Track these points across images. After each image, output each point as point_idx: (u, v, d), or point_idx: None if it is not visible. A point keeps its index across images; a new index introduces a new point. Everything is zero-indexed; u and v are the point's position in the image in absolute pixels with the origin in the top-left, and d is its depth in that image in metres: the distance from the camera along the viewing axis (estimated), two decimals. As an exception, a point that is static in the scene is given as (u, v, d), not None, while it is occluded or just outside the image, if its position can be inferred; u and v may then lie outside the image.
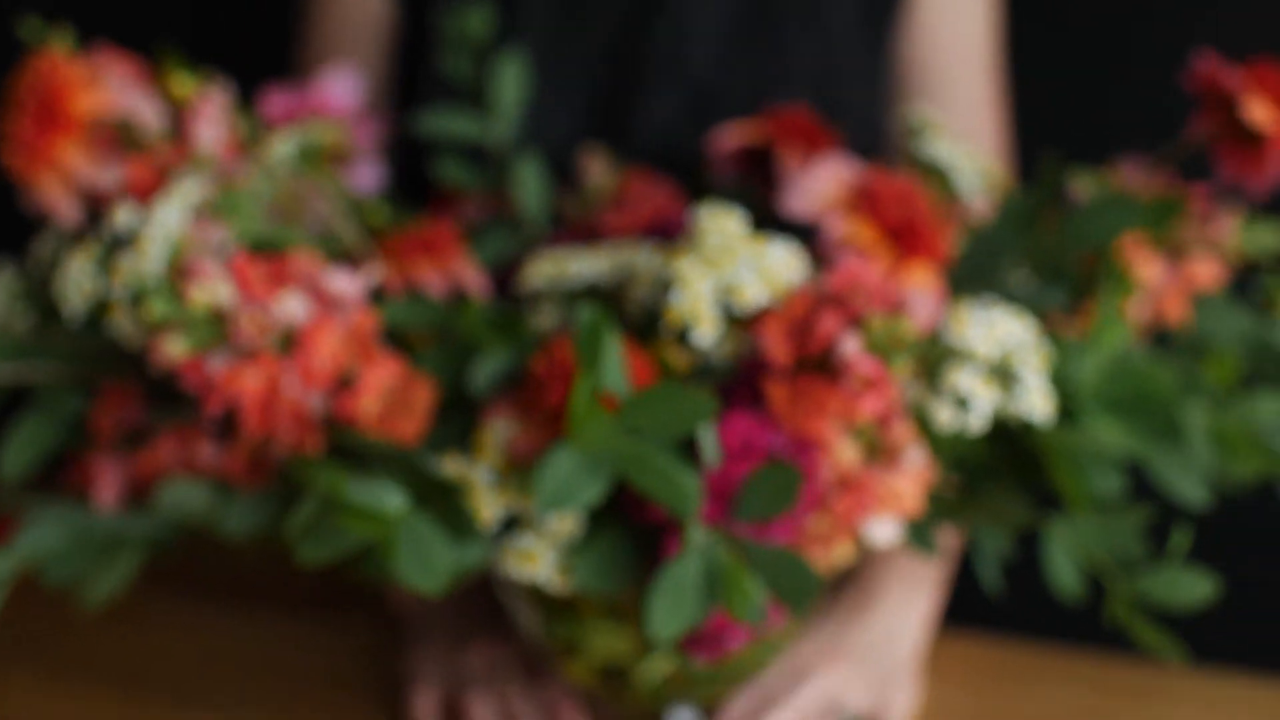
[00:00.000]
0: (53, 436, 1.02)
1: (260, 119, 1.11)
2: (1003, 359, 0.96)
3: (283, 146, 1.05)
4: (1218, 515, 1.11)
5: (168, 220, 0.94)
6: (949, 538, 1.20)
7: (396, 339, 1.03)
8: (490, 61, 1.19)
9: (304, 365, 0.92)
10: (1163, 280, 1.06)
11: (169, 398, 1.01)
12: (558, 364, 0.94)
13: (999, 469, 1.02)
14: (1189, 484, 1.02)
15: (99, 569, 1.01)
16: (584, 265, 1.02)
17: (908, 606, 1.21)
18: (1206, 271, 1.06)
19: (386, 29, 1.31)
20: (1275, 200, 1.13)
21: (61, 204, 0.99)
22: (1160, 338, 1.10)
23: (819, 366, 0.95)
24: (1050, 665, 1.26)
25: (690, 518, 0.89)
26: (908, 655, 1.20)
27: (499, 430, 0.95)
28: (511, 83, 1.18)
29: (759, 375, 0.95)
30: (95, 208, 1.01)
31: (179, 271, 0.94)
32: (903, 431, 0.95)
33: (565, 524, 0.94)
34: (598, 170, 1.18)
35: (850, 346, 0.93)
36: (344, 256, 1.05)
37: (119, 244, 0.96)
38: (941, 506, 1.00)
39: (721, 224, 0.99)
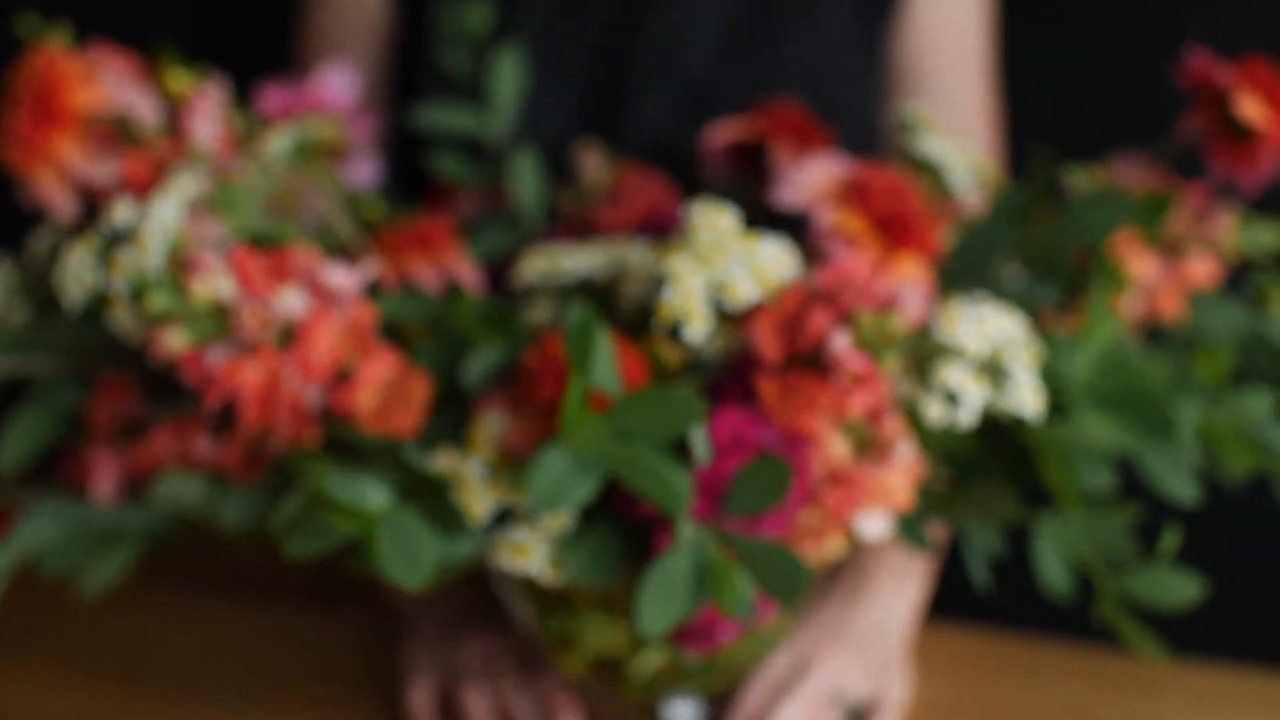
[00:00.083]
0: (50, 429, 1.03)
1: (257, 115, 1.11)
2: (993, 355, 0.96)
3: (279, 142, 1.05)
4: (1207, 511, 1.11)
5: (165, 215, 0.94)
6: (936, 531, 1.21)
7: (393, 334, 1.03)
8: (488, 57, 1.19)
9: (303, 359, 0.93)
10: (1158, 277, 1.06)
11: (166, 391, 1.01)
12: (550, 358, 0.94)
13: (989, 464, 1.02)
14: (1179, 481, 1.02)
15: (97, 560, 1.01)
16: (578, 261, 1.02)
17: (897, 596, 1.22)
18: (1202, 269, 1.07)
19: (383, 25, 1.32)
20: (1274, 196, 1.14)
21: (58, 198, 0.99)
22: (1155, 333, 1.10)
23: (810, 362, 0.95)
24: (1040, 658, 1.27)
25: (680, 514, 0.89)
26: (898, 643, 1.22)
27: (492, 424, 0.96)
28: (509, 78, 1.18)
29: (750, 371, 0.96)
30: (92, 202, 1.01)
31: (180, 265, 0.94)
32: (893, 427, 0.95)
33: (558, 518, 0.95)
34: (593, 165, 1.19)
35: (840, 343, 0.94)
36: (340, 251, 1.06)
37: (118, 238, 0.96)
38: (932, 501, 1.01)
39: (714, 221, 0.99)
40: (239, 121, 1.07)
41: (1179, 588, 0.96)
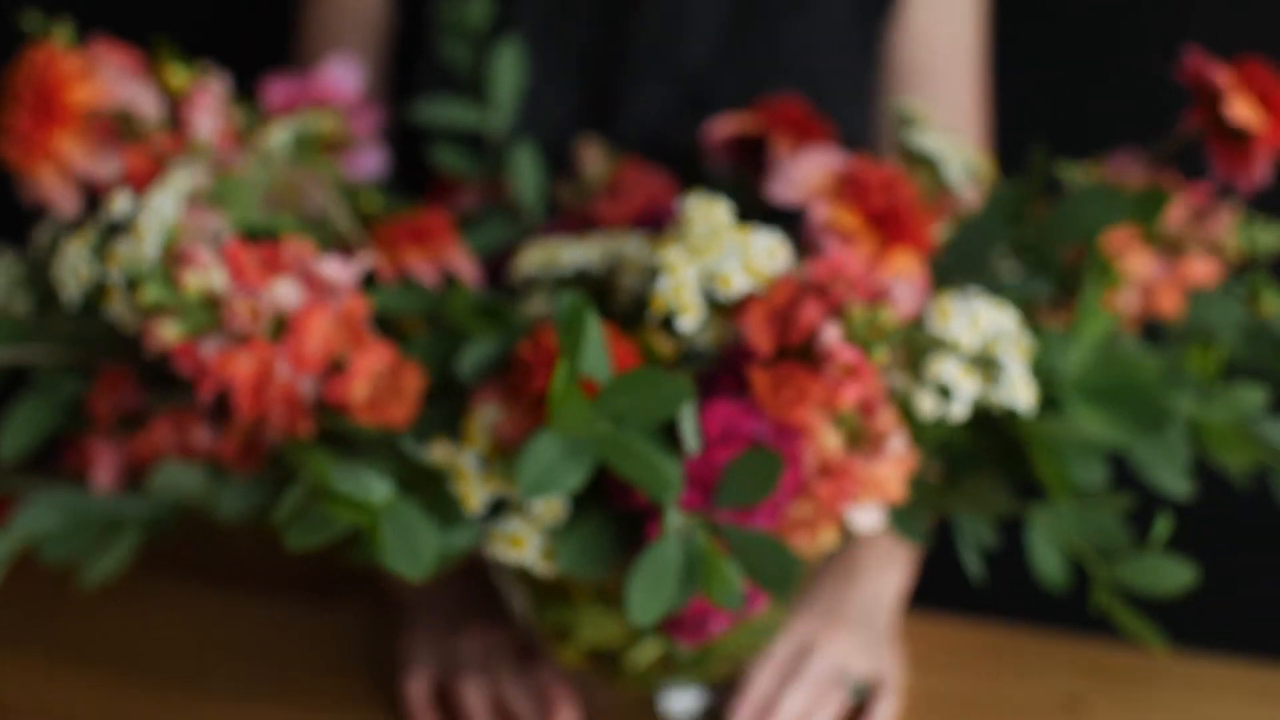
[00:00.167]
0: (51, 419, 1.04)
1: (258, 109, 1.12)
2: (985, 349, 0.97)
3: (279, 135, 1.06)
4: (1199, 502, 1.12)
5: (163, 207, 0.95)
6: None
7: (390, 326, 1.04)
8: (488, 51, 1.20)
9: (295, 350, 0.93)
10: (1157, 275, 1.06)
11: (165, 382, 1.02)
12: (544, 350, 0.95)
13: (982, 457, 1.03)
14: (1171, 474, 1.03)
15: (97, 549, 1.02)
16: (575, 253, 1.03)
17: (885, 578, 1.25)
18: (1202, 268, 1.07)
19: (382, 20, 1.32)
20: (1278, 195, 1.14)
21: (59, 195, 1.00)
22: (1157, 329, 1.11)
23: (801, 354, 0.96)
24: (1035, 648, 1.28)
25: (670, 503, 0.90)
26: (888, 623, 1.24)
27: (487, 416, 0.96)
28: (508, 72, 1.19)
29: (743, 362, 0.96)
30: (95, 196, 1.02)
31: (173, 257, 0.95)
32: (885, 419, 0.96)
33: (552, 508, 0.96)
34: (593, 159, 1.19)
35: (831, 335, 0.94)
36: (339, 244, 1.06)
37: (115, 230, 0.97)
38: (924, 494, 1.01)
39: (708, 213, 1.00)
40: (240, 116, 1.08)
41: (1172, 575, 0.97)
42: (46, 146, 0.97)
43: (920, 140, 1.12)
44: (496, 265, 1.15)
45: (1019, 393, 0.97)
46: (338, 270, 0.95)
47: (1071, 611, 1.18)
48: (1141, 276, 1.06)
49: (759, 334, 0.96)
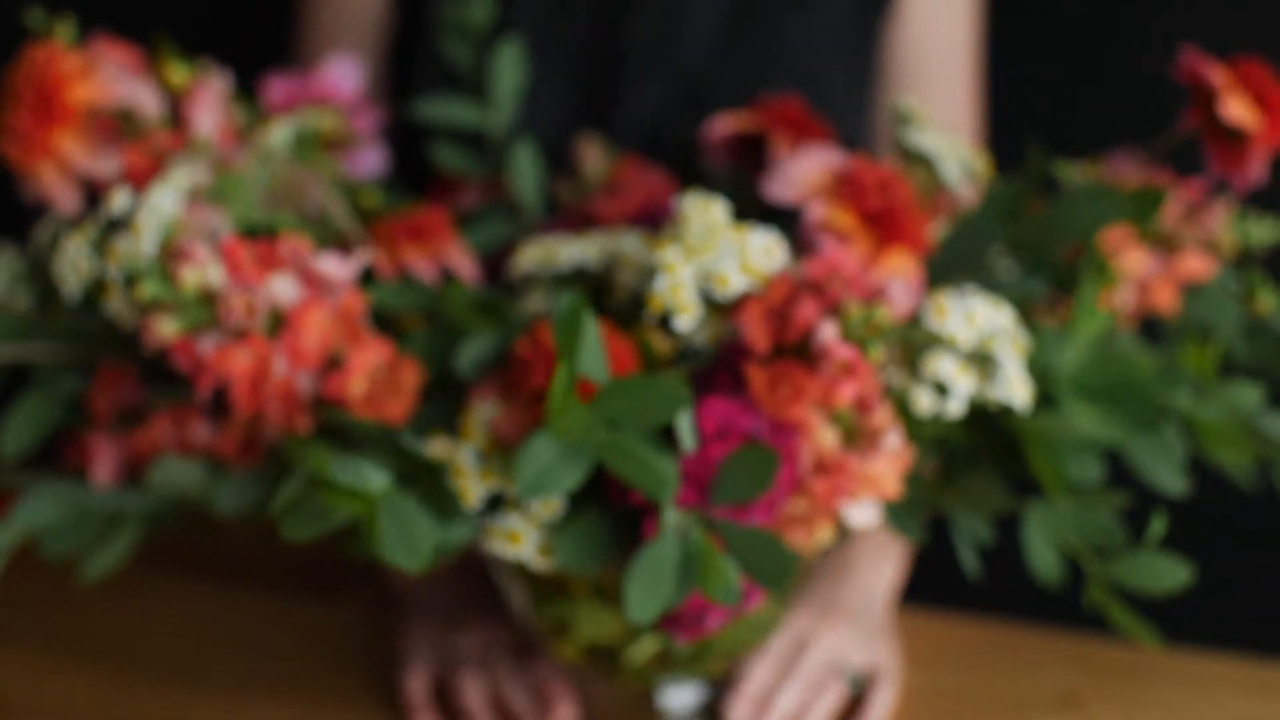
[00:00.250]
0: (51, 415, 1.04)
1: (258, 107, 1.12)
2: (981, 346, 0.97)
3: (279, 133, 1.06)
4: (1195, 499, 1.12)
5: (162, 204, 0.96)
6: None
7: (389, 322, 1.05)
8: (488, 50, 1.21)
9: (293, 346, 0.94)
10: (1152, 271, 1.07)
11: (164, 378, 1.02)
12: (541, 347, 0.95)
13: (978, 454, 1.03)
14: (1167, 472, 1.03)
15: (97, 544, 1.03)
16: (573, 251, 1.04)
17: (879, 570, 1.26)
18: (1197, 264, 1.07)
19: (381, 19, 1.33)
20: (1274, 192, 1.15)
21: (60, 192, 1.00)
22: (1155, 326, 1.11)
23: (798, 352, 0.96)
24: (1031, 645, 1.28)
25: (667, 502, 0.90)
26: (883, 615, 1.25)
27: (484, 412, 0.97)
28: (509, 71, 1.19)
29: (740, 360, 0.97)
30: (95, 194, 1.02)
31: (171, 254, 0.95)
32: (881, 416, 0.96)
33: (549, 505, 0.96)
34: (592, 158, 1.20)
35: (828, 333, 0.95)
36: (338, 241, 1.07)
37: (114, 226, 0.98)
38: (920, 490, 1.02)
39: (705, 212, 1.00)
40: (240, 113, 1.08)
41: (1167, 573, 0.97)
42: (47, 144, 0.97)
43: (917, 139, 1.12)
44: (495, 263, 1.15)
45: (1015, 390, 0.97)
46: (335, 267, 0.96)
47: (1067, 608, 1.19)
48: (1137, 273, 1.06)
49: (756, 332, 0.96)
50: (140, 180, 1.00)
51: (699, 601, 0.96)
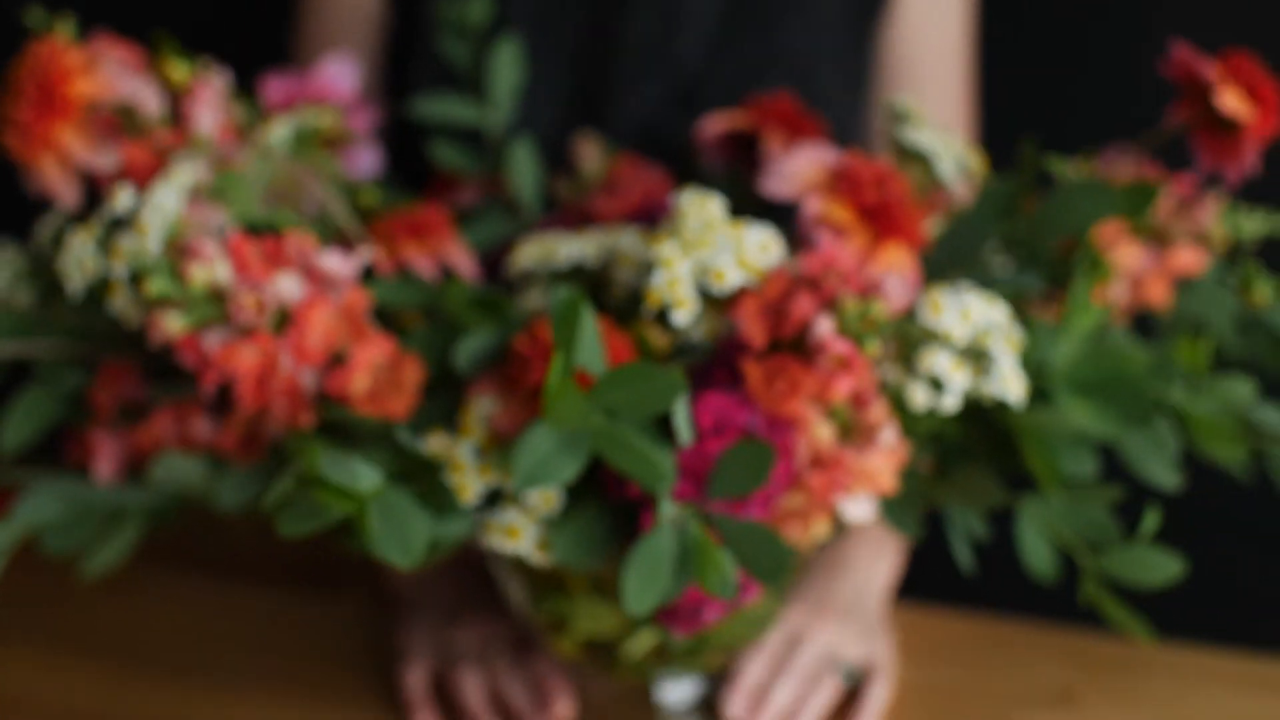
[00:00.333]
0: (53, 411, 1.05)
1: (258, 105, 1.13)
2: (976, 341, 0.98)
3: (279, 131, 1.07)
4: (1189, 494, 1.13)
5: (165, 202, 0.96)
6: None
7: (388, 319, 1.05)
8: (486, 48, 1.21)
9: (298, 342, 0.94)
10: (1145, 266, 1.07)
11: (166, 374, 1.03)
12: (540, 343, 0.96)
13: (973, 449, 1.04)
14: (1160, 466, 1.04)
15: (98, 540, 1.03)
16: (571, 248, 1.04)
17: (875, 567, 1.27)
18: (1190, 258, 1.08)
19: (378, 19, 1.33)
20: (1263, 185, 1.15)
21: (61, 186, 1.00)
22: (1149, 320, 1.11)
23: (794, 347, 0.97)
24: (1026, 640, 1.29)
25: (664, 494, 0.91)
26: (878, 610, 1.25)
27: (483, 407, 0.97)
28: (507, 69, 1.20)
29: (736, 355, 0.98)
30: (97, 190, 1.03)
31: (178, 251, 0.96)
32: (877, 411, 0.97)
33: (547, 499, 0.97)
34: (590, 155, 1.20)
35: (824, 328, 0.95)
36: (338, 239, 1.07)
37: (119, 224, 0.98)
38: (916, 485, 1.02)
39: (702, 209, 1.01)
40: (240, 111, 1.09)
41: (1161, 567, 0.97)
42: (48, 138, 0.98)
43: (913, 136, 1.13)
44: (494, 260, 1.16)
45: (1010, 385, 0.98)
46: (339, 264, 0.96)
47: (1062, 603, 1.19)
48: (1130, 268, 1.07)
49: (752, 327, 0.97)
50: (140, 176, 1.00)
51: (696, 595, 0.96)
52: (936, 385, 0.98)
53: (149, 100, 1.02)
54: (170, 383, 1.03)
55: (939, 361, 0.98)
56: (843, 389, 0.95)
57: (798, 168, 1.04)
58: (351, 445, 0.97)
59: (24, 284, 1.06)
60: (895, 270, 1.01)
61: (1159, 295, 1.08)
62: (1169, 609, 1.21)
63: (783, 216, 1.08)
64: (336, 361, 0.96)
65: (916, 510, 1.03)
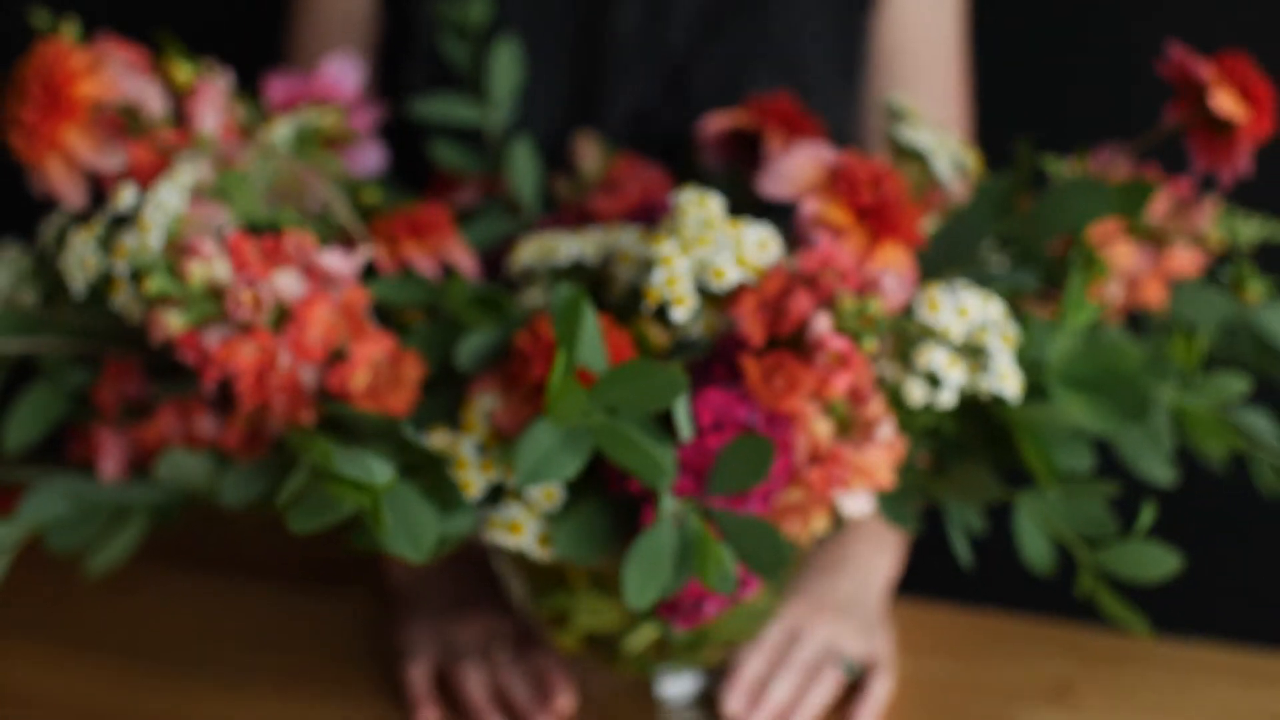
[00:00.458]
0: (57, 409, 1.05)
1: (260, 105, 1.13)
2: (972, 338, 0.98)
3: (281, 131, 1.08)
4: (1185, 489, 1.13)
5: (167, 200, 0.97)
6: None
7: (390, 317, 1.06)
8: (485, 49, 1.22)
9: (297, 340, 0.95)
10: (1140, 266, 1.08)
11: (169, 372, 1.03)
12: (541, 340, 0.96)
13: (970, 444, 1.05)
14: (1155, 462, 1.05)
15: (103, 537, 1.03)
16: (571, 246, 1.05)
17: (874, 562, 1.27)
18: (1186, 259, 1.08)
19: (371, 20, 1.34)
20: (1258, 187, 1.16)
21: (66, 187, 1.01)
22: (1140, 319, 1.12)
23: (792, 344, 0.98)
24: (1023, 634, 1.29)
25: (664, 490, 0.92)
26: (878, 605, 1.26)
27: (485, 404, 0.98)
28: (506, 69, 1.20)
29: (735, 352, 0.98)
30: (101, 189, 1.03)
31: (178, 249, 0.96)
32: (875, 407, 0.98)
33: (549, 495, 0.97)
34: (589, 154, 1.21)
35: (822, 325, 0.96)
36: (340, 237, 1.08)
37: (121, 223, 0.99)
38: (913, 480, 1.03)
39: (701, 207, 1.02)
40: (243, 111, 1.09)
41: (1157, 561, 0.98)
42: (54, 138, 0.98)
43: (910, 135, 1.13)
44: (494, 258, 1.16)
45: (1006, 381, 0.98)
46: (338, 262, 0.97)
47: (1059, 597, 1.20)
48: (1126, 268, 1.07)
49: (751, 324, 0.97)
50: (144, 176, 1.01)
51: (696, 589, 0.97)
52: (933, 381, 0.99)
53: (153, 100, 1.02)
54: (173, 380, 1.03)
55: (936, 358, 0.98)
56: (841, 385, 0.96)
57: (795, 168, 1.05)
58: (353, 442, 0.97)
59: (28, 283, 1.07)
60: (892, 268, 1.01)
61: (1155, 297, 1.08)
62: (1166, 603, 1.22)
63: (781, 214, 1.08)
64: (337, 358, 0.97)
65: (914, 505, 1.03)
